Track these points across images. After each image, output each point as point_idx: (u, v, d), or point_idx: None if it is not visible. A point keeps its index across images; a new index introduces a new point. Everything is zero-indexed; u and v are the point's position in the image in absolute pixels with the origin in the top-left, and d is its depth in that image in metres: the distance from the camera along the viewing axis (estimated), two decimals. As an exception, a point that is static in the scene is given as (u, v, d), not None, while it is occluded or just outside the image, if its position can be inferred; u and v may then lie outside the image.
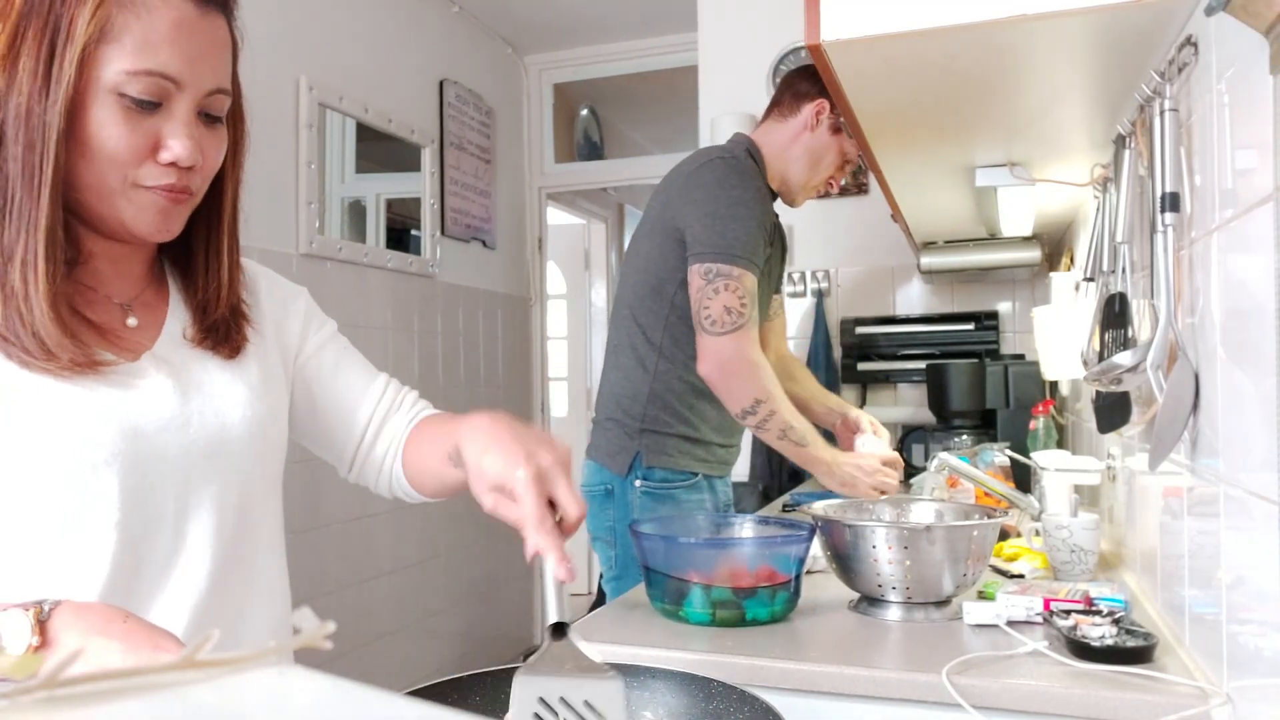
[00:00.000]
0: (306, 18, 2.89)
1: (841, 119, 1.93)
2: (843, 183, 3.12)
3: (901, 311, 3.13)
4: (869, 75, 1.14)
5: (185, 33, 0.79)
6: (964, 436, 2.60)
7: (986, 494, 1.79)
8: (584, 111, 4.71)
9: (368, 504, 3.04)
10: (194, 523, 0.86)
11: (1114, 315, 1.22)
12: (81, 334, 0.80)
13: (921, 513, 1.45)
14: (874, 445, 1.93)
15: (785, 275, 3.18)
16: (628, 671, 0.87)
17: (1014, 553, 1.58)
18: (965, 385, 2.63)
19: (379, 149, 3.32)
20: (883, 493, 1.81)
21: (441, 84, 3.62)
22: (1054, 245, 2.66)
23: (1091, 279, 1.36)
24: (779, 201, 2.02)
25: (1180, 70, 1.02)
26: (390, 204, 3.36)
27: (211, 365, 0.90)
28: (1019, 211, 2.03)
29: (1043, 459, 1.81)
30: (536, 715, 0.64)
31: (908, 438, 2.76)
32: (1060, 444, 2.32)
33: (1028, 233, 2.36)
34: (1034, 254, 2.54)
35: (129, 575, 0.81)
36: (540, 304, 4.38)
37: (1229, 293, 0.90)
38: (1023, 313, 3.01)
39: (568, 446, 0.82)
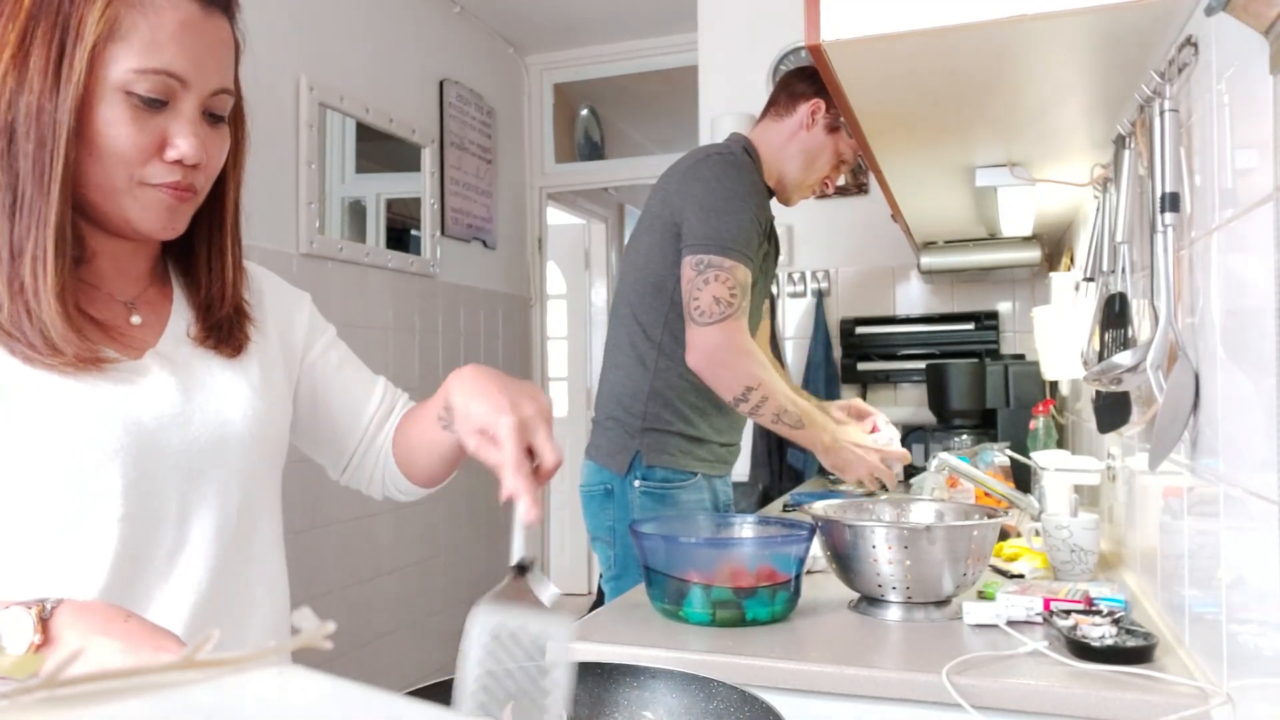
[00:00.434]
0: (306, 18, 2.89)
1: (840, 119, 1.94)
2: (841, 183, 3.15)
3: (901, 311, 3.13)
4: (869, 75, 1.14)
5: (191, 33, 0.81)
6: (964, 436, 2.60)
7: (986, 494, 1.79)
8: (584, 111, 4.71)
9: (368, 504, 3.04)
10: (196, 519, 0.86)
11: (1114, 315, 1.22)
12: (86, 331, 0.81)
13: (921, 513, 1.45)
14: (890, 433, 1.93)
15: (786, 277, 3.21)
16: (628, 671, 0.87)
17: (1014, 553, 1.58)
18: (965, 385, 2.63)
19: (379, 149, 3.32)
20: (881, 484, 1.82)
21: (442, 84, 3.62)
22: (1054, 245, 2.66)
23: (1091, 279, 1.36)
24: (774, 201, 2.02)
25: (1180, 70, 1.02)
26: (390, 204, 3.36)
27: (214, 363, 0.91)
28: (1019, 211, 2.03)
29: (1043, 459, 1.81)
30: (487, 650, 0.67)
31: (908, 438, 2.75)
32: (1060, 444, 2.32)
33: (1028, 233, 2.36)
34: (1034, 254, 2.54)
35: (131, 571, 0.82)
36: (540, 304, 4.38)
37: (1229, 293, 0.90)
38: (1023, 313, 3.01)
39: (550, 400, 0.86)
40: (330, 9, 3.00)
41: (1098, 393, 1.34)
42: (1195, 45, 0.98)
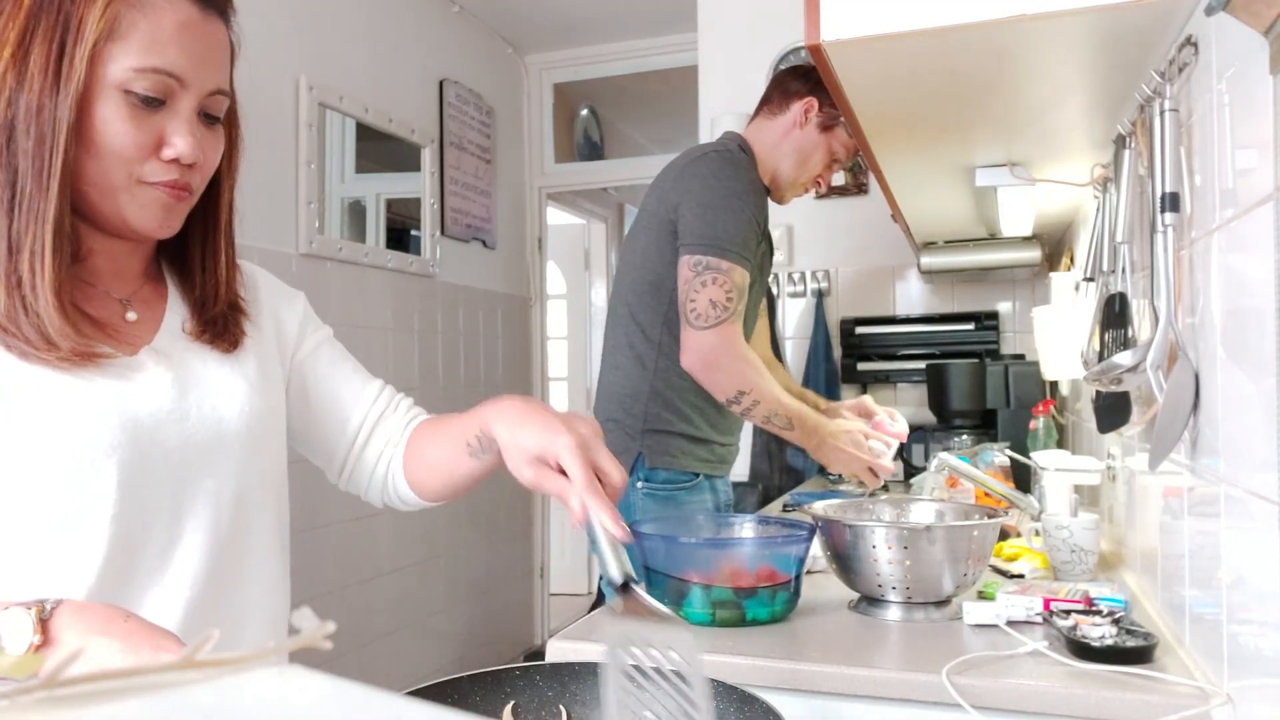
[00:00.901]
0: (306, 18, 2.89)
1: (834, 117, 1.93)
2: (841, 183, 3.15)
3: (901, 311, 3.13)
4: (869, 75, 1.14)
5: (190, 34, 0.82)
6: (964, 436, 2.60)
7: (986, 494, 1.79)
8: (584, 111, 4.71)
9: (368, 504, 3.03)
10: (190, 517, 0.86)
11: (1114, 315, 1.22)
12: (82, 327, 0.81)
13: (921, 513, 1.45)
14: (900, 427, 1.94)
15: (786, 277, 3.21)
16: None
17: (1014, 553, 1.58)
18: (965, 385, 2.63)
19: (379, 149, 3.32)
20: (873, 474, 1.85)
21: (441, 84, 3.62)
22: (1054, 245, 2.66)
23: (1091, 279, 1.36)
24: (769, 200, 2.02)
25: (1180, 70, 1.02)
26: (390, 204, 3.36)
27: (210, 359, 0.91)
28: (1019, 211, 2.03)
29: (1043, 459, 1.81)
30: (624, 654, 0.66)
31: (907, 438, 2.75)
32: (1060, 444, 2.32)
33: (1028, 233, 2.36)
34: (1034, 254, 2.55)
35: (124, 567, 0.82)
36: (540, 304, 4.38)
37: (1229, 293, 0.90)
38: (1023, 313, 3.01)
39: (596, 421, 0.87)
40: (330, 9, 3.00)
41: (1098, 393, 1.34)
42: (1195, 45, 0.98)
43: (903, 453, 2.71)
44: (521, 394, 4.18)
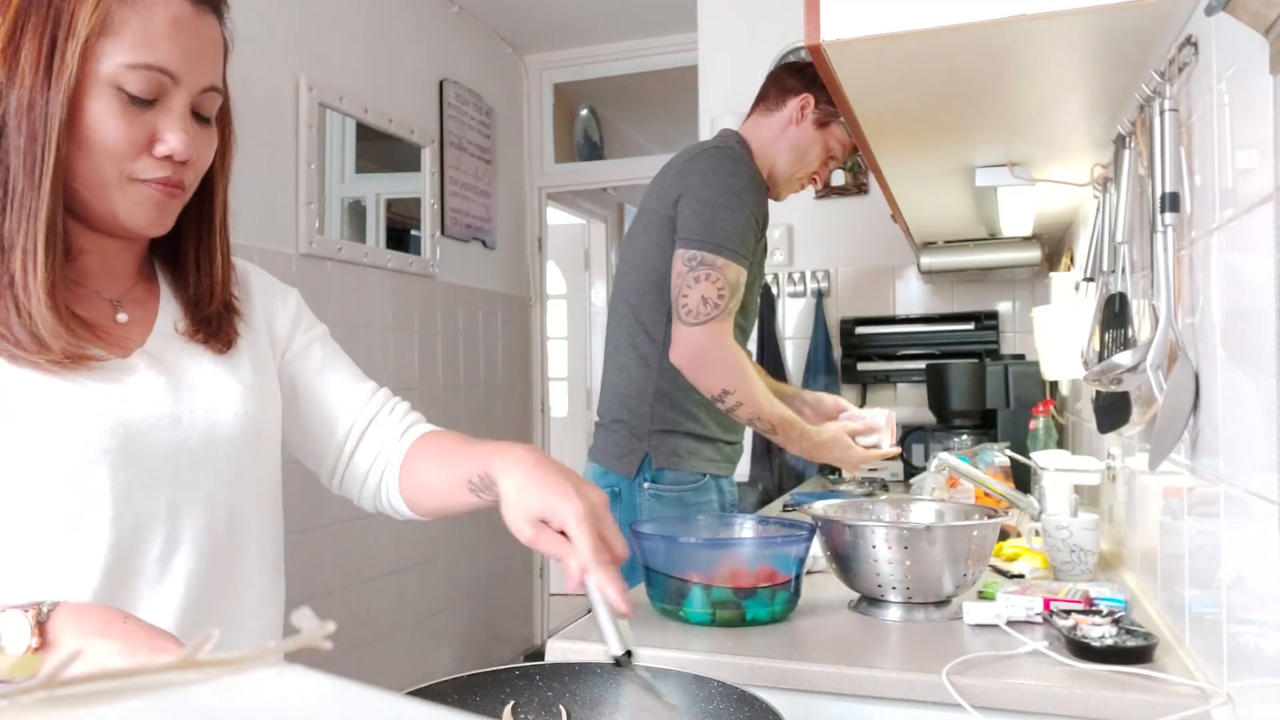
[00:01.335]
0: (306, 18, 2.89)
1: (830, 114, 1.93)
2: (841, 183, 3.15)
3: (901, 311, 3.13)
4: (869, 75, 1.14)
5: (183, 30, 0.81)
6: (964, 436, 2.60)
7: (986, 494, 1.79)
8: (584, 111, 4.71)
9: (368, 504, 3.04)
10: (187, 520, 0.85)
11: (1114, 315, 1.22)
12: (74, 328, 0.80)
13: (921, 513, 1.45)
14: (875, 418, 1.96)
15: (786, 277, 3.21)
16: (628, 672, 0.86)
17: (1014, 553, 1.58)
18: (965, 385, 2.63)
19: (379, 149, 3.32)
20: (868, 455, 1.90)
21: (441, 84, 3.62)
22: (1054, 245, 2.66)
23: (1091, 279, 1.36)
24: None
25: (1180, 70, 1.02)
26: (390, 204, 3.36)
27: (204, 360, 0.90)
28: (1019, 211, 2.03)
29: (1043, 459, 1.81)
30: None
31: (908, 438, 2.76)
32: (1060, 444, 2.32)
33: (1028, 233, 2.36)
34: (1034, 254, 2.54)
35: (123, 572, 0.81)
36: (540, 304, 4.38)
37: (1229, 293, 0.90)
38: (1023, 313, 3.01)
39: (604, 491, 0.86)
40: (330, 9, 3.00)
41: (1098, 393, 1.34)
42: (1195, 45, 0.98)
43: (901, 453, 2.72)
44: (521, 394, 4.20)
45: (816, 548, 1.36)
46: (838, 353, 3.14)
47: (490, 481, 0.87)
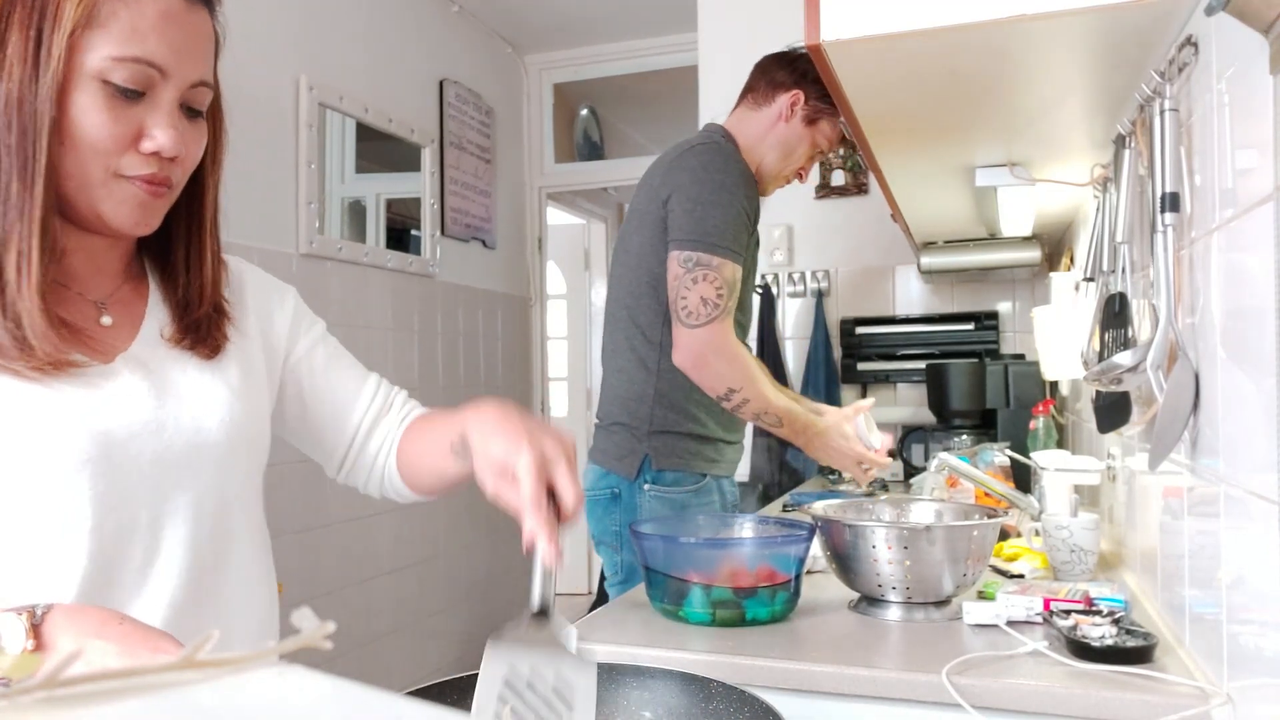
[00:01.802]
0: (306, 18, 2.89)
1: (829, 112, 1.93)
2: (841, 183, 3.15)
3: (901, 311, 3.13)
4: (869, 75, 1.14)
5: (172, 22, 0.78)
6: (964, 436, 2.60)
7: (986, 494, 1.79)
8: (584, 111, 4.71)
9: (368, 504, 3.04)
10: (169, 529, 0.83)
11: (1114, 315, 1.22)
12: (60, 332, 0.78)
13: (921, 513, 1.45)
14: (864, 432, 1.95)
15: (786, 277, 3.21)
16: (628, 671, 0.87)
17: (1014, 553, 1.58)
18: (965, 385, 2.63)
19: (379, 149, 3.32)
20: (864, 471, 1.89)
21: (441, 84, 3.62)
22: (1054, 245, 2.66)
23: (1091, 279, 1.36)
24: None
25: (1180, 70, 1.02)
26: (390, 204, 3.36)
27: (190, 366, 0.87)
28: (1019, 211, 2.03)
29: (1043, 459, 1.81)
30: (500, 698, 0.63)
31: (908, 438, 2.76)
32: (1060, 444, 2.32)
33: (1028, 233, 2.36)
34: (1034, 254, 2.54)
35: (103, 582, 0.79)
36: (540, 304, 4.38)
37: (1229, 293, 0.90)
38: (1023, 313, 3.01)
39: (573, 438, 0.83)
40: (330, 9, 3.00)
41: (1098, 393, 1.34)
42: (1195, 45, 0.98)
43: (901, 452, 2.72)
44: (521, 394, 4.20)
45: (816, 548, 1.36)
46: (838, 353, 3.14)
47: (466, 441, 0.86)
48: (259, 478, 0.96)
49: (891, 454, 2.02)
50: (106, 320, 0.85)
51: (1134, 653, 1.05)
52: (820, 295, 3.16)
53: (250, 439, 0.92)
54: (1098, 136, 1.45)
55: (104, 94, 0.76)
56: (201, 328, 0.89)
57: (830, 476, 2.77)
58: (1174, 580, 1.16)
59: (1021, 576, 1.50)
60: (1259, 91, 0.79)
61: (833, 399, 3.08)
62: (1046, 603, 1.20)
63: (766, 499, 2.83)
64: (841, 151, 3.13)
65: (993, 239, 2.53)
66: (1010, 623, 1.19)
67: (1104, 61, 1.11)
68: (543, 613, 0.71)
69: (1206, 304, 0.97)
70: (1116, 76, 1.16)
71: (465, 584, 3.74)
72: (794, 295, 3.21)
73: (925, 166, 1.68)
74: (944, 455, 1.84)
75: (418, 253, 3.47)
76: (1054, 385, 2.54)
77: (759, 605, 1.26)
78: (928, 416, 2.85)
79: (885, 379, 3.11)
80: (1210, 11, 0.78)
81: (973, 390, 2.61)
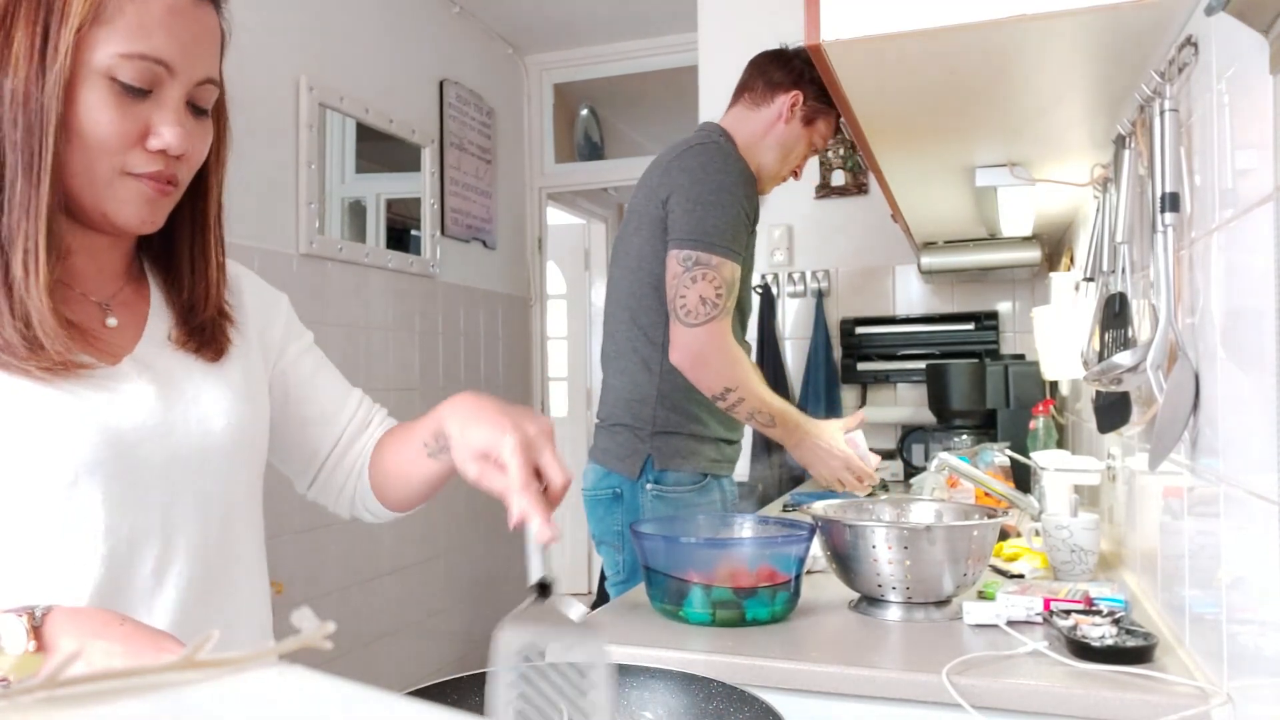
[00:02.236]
0: (306, 18, 2.89)
1: (827, 111, 1.93)
2: (841, 183, 3.15)
3: (901, 311, 3.13)
4: (869, 75, 1.15)
5: (179, 19, 0.78)
6: (964, 436, 2.60)
7: (986, 494, 1.79)
8: (584, 111, 4.71)
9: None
10: (180, 532, 0.83)
11: (1114, 315, 1.22)
12: (68, 332, 0.77)
13: (921, 513, 1.45)
14: (860, 442, 1.95)
15: (786, 277, 3.21)
16: (628, 671, 0.87)
17: (1014, 553, 1.58)
18: (965, 385, 2.63)
19: (379, 149, 3.32)
20: (855, 480, 1.88)
21: (441, 84, 3.62)
22: (1054, 245, 2.66)
23: (1091, 279, 1.36)
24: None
25: (1180, 70, 1.02)
26: (390, 204, 3.36)
27: (195, 369, 0.87)
28: (1019, 211, 2.03)
29: (1043, 459, 1.81)
30: (513, 685, 0.63)
31: (908, 438, 2.76)
32: (1060, 444, 2.32)
33: (1028, 233, 2.36)
34: (1034, 254, 2.55)
35: (117, 585, 0.79)
36: (540, 304, 4.38)
37: (1229, 293, 0.90)
38: (1023, 313, 3.01)
39: (550, 420, 0.83)
40: (330, 9, 3.00)
41: (1098, 393, 1.34)
42: (1195, 45, 0.98)
43: (901, 452, 2.72)
44: (521, 394, 4.20)
45: (816, 548, 1.36)
46: (838, 353, 3.14)
47: (443, 435, 0.85)
48: (259, 479, 0.96)
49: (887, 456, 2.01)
50: (112, 321, 0.84)
51: (1134, 653, 1.05)
52: (820, 295, 3.16)
53: (253, 441, 0.92)
54: (1098, 136, 1.45)
55: (111, 91, 0.76)
56: (206, 331, 0.89)
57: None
58: (1174, 580, 1.16)
59: (1021, 576, 1.50)
60: (1259, 91, 0.79)
61: (833, 399, 3.08)
62: (1046, 603, 1.20)
63: (766, 499, 2.82)
64: (842, 151, 3.13)
65: (993, 239, 2.53)
66: (1010, 623, 1.19)
67: (1104, 62, 1.11)
68: (544, 588, 0.71)
69: (1206, 304, 0.97)
70: (1116, 77, 1.16)
71: (465, 584, 3.74)
72: (794, 295, 3.21)
73: (925, 166, 1.68)
74: (944, 455, 1.84)
75: (418, 253, 3.47)
76: (1054, 385, 2.54)
77: (759, 605, 1.26)
78: (928, 417, 2.85)
79: (885, 379, 3.11)
80: (1210, 11, 0.78)
81: (973, 390, 2.61)
